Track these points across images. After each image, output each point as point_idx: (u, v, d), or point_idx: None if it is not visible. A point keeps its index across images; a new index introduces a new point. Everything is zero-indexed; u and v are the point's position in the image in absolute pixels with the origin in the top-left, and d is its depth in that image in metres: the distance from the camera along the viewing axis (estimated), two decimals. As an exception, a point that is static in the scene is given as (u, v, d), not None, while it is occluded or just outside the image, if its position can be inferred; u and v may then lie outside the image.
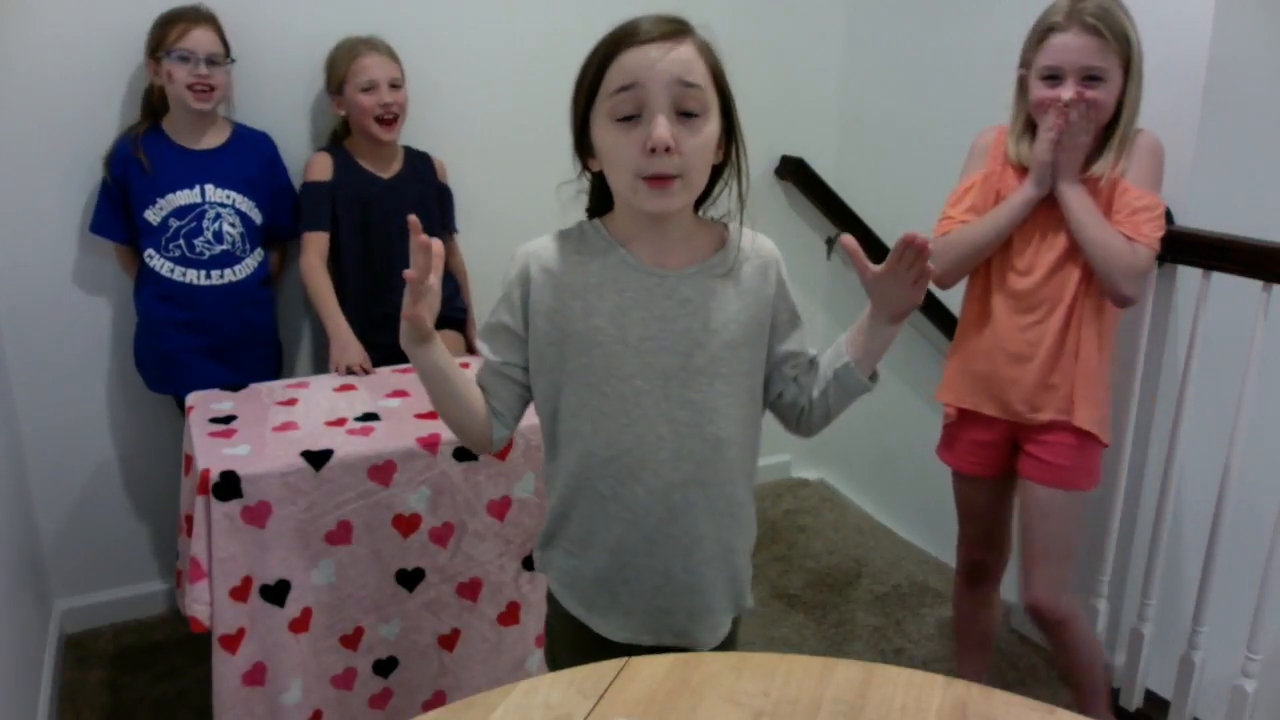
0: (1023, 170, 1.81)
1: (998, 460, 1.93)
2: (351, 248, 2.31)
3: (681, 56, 1.10)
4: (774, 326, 1.26)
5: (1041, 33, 1.73)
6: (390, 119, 2.27)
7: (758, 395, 1.27)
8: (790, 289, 1.28)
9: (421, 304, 1.14)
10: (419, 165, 2.40)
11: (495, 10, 2.55)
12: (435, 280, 1.14)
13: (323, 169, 2.29)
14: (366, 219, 2.30)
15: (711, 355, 1.19)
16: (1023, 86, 1.80)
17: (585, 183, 1.26)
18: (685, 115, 1.10)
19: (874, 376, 1.27)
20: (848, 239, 1.17)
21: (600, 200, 1.25)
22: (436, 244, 1.12)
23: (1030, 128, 1.80)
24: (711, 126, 1.14)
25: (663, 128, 1.08)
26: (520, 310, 1.21)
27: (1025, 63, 1.78)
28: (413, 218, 1.12)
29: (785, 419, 1.33)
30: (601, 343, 1.18)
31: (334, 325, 2.24)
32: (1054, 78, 1.71)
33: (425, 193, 2.38)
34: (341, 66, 2.27)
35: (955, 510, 2.06)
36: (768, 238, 1.28)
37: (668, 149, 1.09)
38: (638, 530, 1.22)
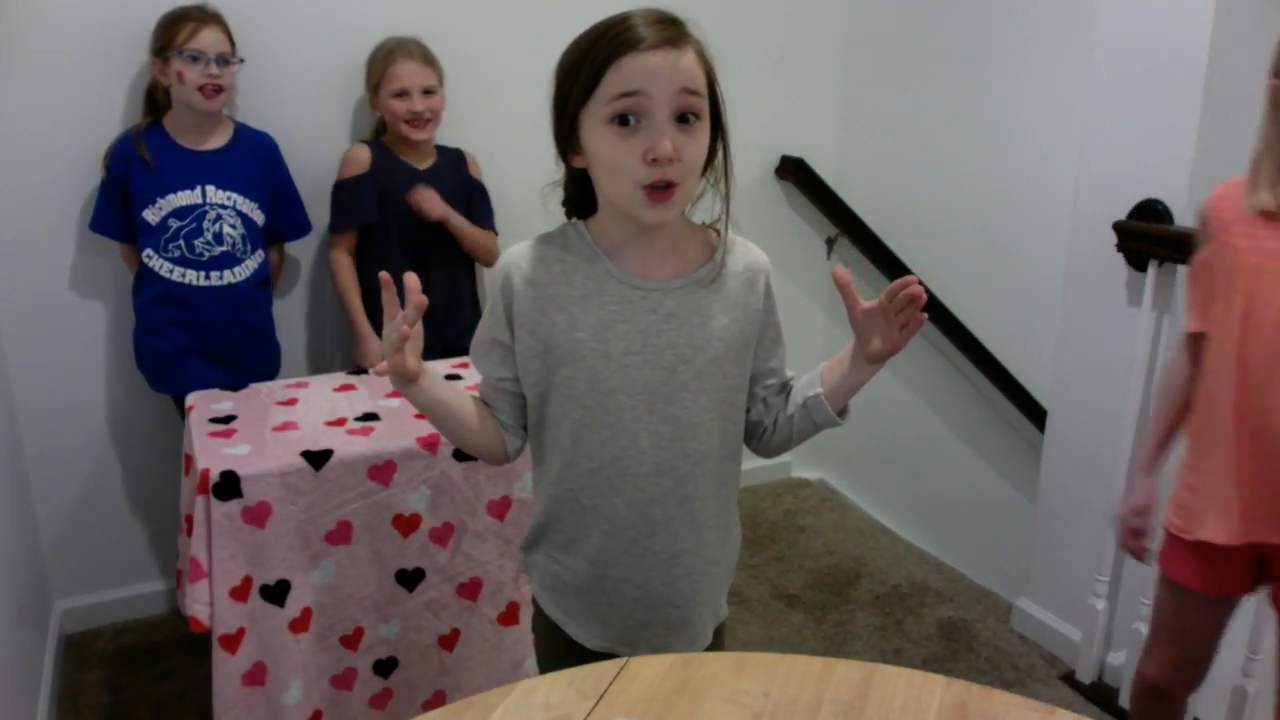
0: (1268, 219, 1.40)
1: None
2: (387, 237, 2.33)
3: (686, 66, 1.08)
4: (757, 342, 1.25)
5: None
6: (422, 123, 2.29)
7: (741, 407, 1.25)
8: (777, 304, 1.25)
9: (403, 353, 1.13)
10: (453, 160, 2.42)
11: (523, 5, 2.54)
12: (419, 328, 1.14)
13: (359, 162, 2.32)
14: (404, 208, 2.32)
15: (696, 371, 1.18)
16: (1276, 102, 1.40)
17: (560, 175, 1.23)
18: (683, 121, 1.09)
19: (844, 413, 1.24)
20: (840, 272, 1.14)
21: (579, 197, 1.22)
22: (422, 298, 1.10)
23: None
24: (707, 130, 1.12)
25: (667, 139, 1.06)
26: (506, 323, 1.19)
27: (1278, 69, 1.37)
28: (384, 275, 1.11)
29: (746, 436, 1.30)
30: (584, 356, 1.16)
31: (358, 326, 2.36)
32: None
33: (458, 187, 2.39)
34: (377, 71, 2.31)
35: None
36: (758, 247, 1.26)
37: (670, 159, 1.07)
38: (617, 542, 1.22)
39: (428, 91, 2.29)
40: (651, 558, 1.22)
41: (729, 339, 1.20)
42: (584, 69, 1.09)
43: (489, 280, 1.22)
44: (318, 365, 2.55)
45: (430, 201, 2.30)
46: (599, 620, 1.26)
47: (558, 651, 1.29)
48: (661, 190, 1.09)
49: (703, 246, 1.22)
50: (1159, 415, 1.65)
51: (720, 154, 1.17)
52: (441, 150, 2.42)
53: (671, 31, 1.08)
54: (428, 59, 2.32)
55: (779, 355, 1.28)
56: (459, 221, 2.35)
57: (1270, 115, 1.41)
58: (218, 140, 2.22)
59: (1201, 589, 1.58)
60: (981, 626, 2.53)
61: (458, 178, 2.40)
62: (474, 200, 2.42)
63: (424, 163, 2.37)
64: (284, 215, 2.33)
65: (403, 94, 2.27)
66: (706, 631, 1.31)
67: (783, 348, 1.28)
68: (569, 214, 1.24)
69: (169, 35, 2.10)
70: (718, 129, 1.15)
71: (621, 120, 1.07)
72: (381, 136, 2.38)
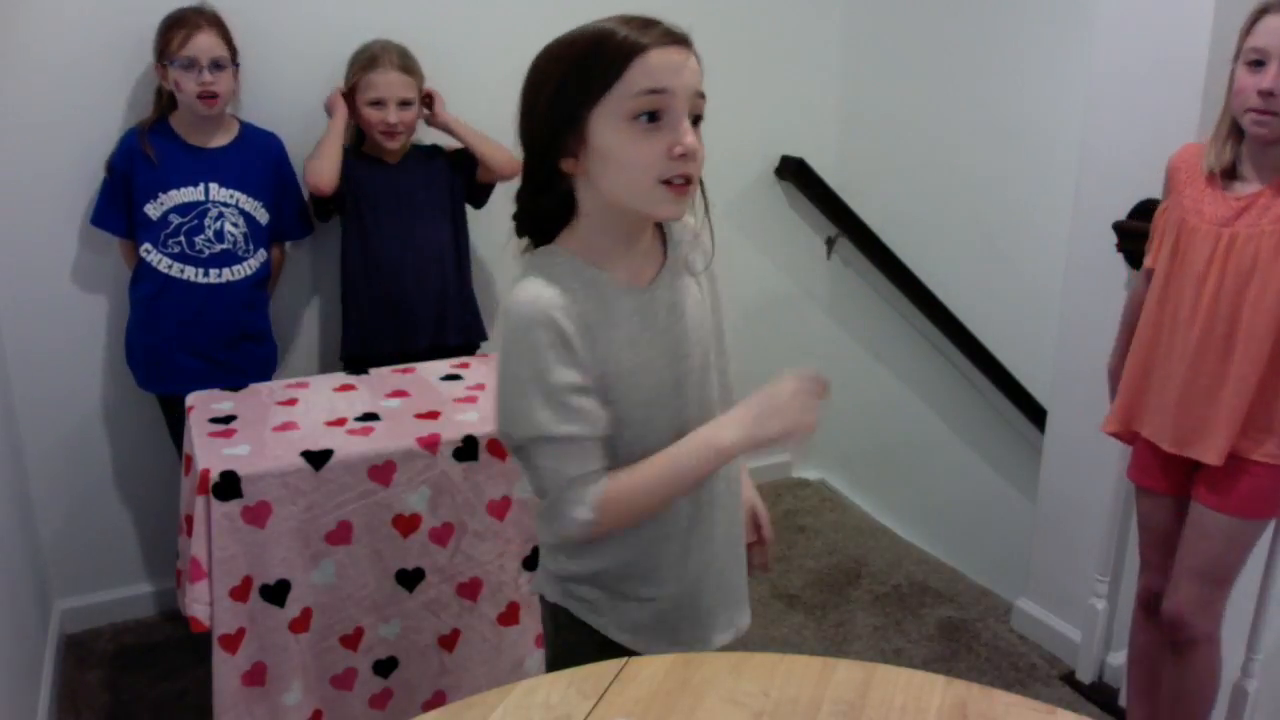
0: (1220, 178, 1.66)
1: None
2: (364, 236, 2.32)
3: (696, 66, 1.11)
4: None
5: (1255, 15, 1.58)
6: (394, 134, 2.29)
7: (724, 352, 1.28)
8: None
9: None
10: (425, 153, 2.41)
11: (525, 5, 2.53)
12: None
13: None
14: (375, 200, 2.32)
15: (704, 349, 1.21)
16: (1230, 82, 1.65)
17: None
18: (694, 123, 1.11)
19: None
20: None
21: (544, 214, 1.17)
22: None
23: (1236, 132, 1.64)
24: None
25: (691, 133, 1.08)
26: (575, 366, 1.10)
27: (1236, 53, 1.62)
28: None
29: None
30: (632, 374, 1.14)
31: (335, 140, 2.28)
32: (1259, 63, 1.56)
33: (433, 174, 2.37)
34: (355, 75, 2.29)
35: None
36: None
37: (696, 154, 1.09)
38: (692, 538, 1.22)
39: (404, 103, 2.28)
40: (713, 542, 1.24)
41: (706, 306, 1.24)
42: (600, 64, 1.06)
43: (501, 315, 1.13)
44: (314, 365, 2.55)
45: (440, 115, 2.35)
46: (690, 625, 1.26)
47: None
48: (682, 185, 1.09)
49: (655, 236, 1.23)
50: (1121, 332, 1.90)
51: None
52: (416, 147, 2.39)
53: (683, 35, 1.11)
54: (408, 69, 2.29)
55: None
56: (462, 128, 2.35)
57: (1228, 92, 1.65)
58: (223, 138, 2.22)
59: (1147, 485, 1.85)
60: (981, 626, 2.53)
61: (430, 167, 2.38)
62: (462, 171, 2.40)
63: (395, 158, 2.36)
64: (286, 215, 2.32)
65: (378, 103, 2.26)
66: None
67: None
68: (523, 231, 1.19)
69: (165, 41, 2.09)
70: None
71: (650, 117, 1.07)
72: (362, 144, 2.37)
